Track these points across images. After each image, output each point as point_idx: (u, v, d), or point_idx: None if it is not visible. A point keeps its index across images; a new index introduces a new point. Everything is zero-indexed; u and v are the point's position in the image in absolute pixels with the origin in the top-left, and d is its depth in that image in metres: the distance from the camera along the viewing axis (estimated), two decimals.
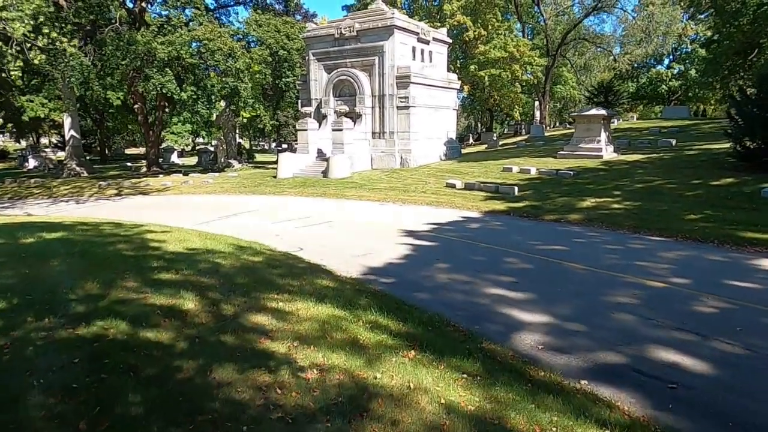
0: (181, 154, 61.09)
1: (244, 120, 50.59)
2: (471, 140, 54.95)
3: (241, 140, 68.11)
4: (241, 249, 9.98)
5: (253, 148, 69.61)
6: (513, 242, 11.19)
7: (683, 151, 21.45)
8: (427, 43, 30.48)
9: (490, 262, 9.62)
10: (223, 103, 35.67)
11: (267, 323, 5.28)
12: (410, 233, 12.75)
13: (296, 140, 32.75)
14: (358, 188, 22.29)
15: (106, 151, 62.98)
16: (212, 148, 42.53)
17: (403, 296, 7.49)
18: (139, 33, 28.58)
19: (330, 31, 29.42)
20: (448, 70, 33.43)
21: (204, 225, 14.82)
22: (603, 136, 22.75)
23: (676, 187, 15.36)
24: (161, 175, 33.28)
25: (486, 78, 39.70)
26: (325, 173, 26.10)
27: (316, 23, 38.13)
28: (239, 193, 24.58)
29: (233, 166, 36.37)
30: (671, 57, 56.87)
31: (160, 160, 49.01)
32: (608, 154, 22.58)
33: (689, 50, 53.72)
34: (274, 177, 27.97)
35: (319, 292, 6.93)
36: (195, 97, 29.32)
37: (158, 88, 28.00)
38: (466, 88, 42.81)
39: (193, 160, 48.41)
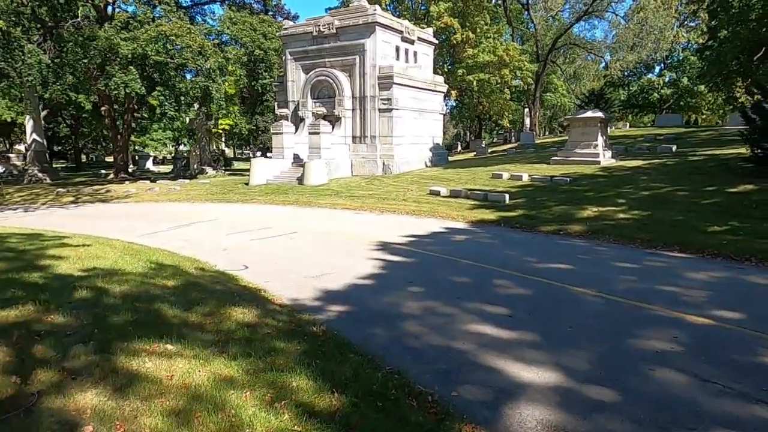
0: (157, 162, 58.86)
1: (224, 128, 48.43)
2: (459, 148, 53.27)
3: (225, 148, 66.02)
4: (161, 268, 7.86)
5: (238, 156, 67.46)
6: (505, 259, 9.18)
7: (687, 157, 19.70)
8: (412, 42, 28.67)
9: (476, 285, 7.58)
10: (196, 106, 33.52)
11: (91, 409, 3.16)
12: (384, 247, 10.71)
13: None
14: (333, 196, 20.25)
15: (83, 158, 60.38)
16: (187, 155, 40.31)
17: (357, 337, 5.43)
18: (102, 29, 26.45)
19: (308, 29, 27.49)
20: (434, 73, 31.63)
21: (147, 237, 12.75)
22: (600, 140, 20.95)
23: (688, 195, 13.50)
24: (128, 182, 30.96)
25: (474, 83, 38.04)
26: (300, 180, 24.03)
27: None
28: (205, 201, 22.44)
29: (207, 173, 34.18)
30: (662, 65, 55.83)
31: (134, 167, 46.80)
32: (606, 159, 20.77)
33: (681, 58, 52.67)
34: (247, 184, 25.85)
35: (227, 337, 4.83)
36: (162, 97, 27.17)
37: (121, 88, 25.80)
38: (453, 93, 41.11)
39: (169, 168, 46.20)
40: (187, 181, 30.81)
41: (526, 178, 19.11)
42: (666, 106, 54.22)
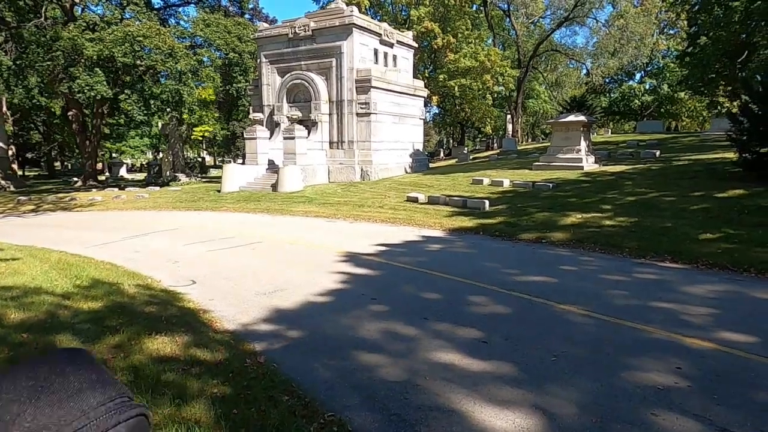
0: (133, 169, 57.23)
1: (203, 135, 47.09)
2: (442, 155, 52.70)
3: (206, 155, 64.57)
4: (91, 287, 6.82)
5: (219, 163, 65.93)
6: (482, 271, 8.31)
7: (671, 162, 19.16)
8: (391, 46, 27.94)
9: (448, 302, 6.68)
10: (169, 111, 32.28)
11: None
12: (352, 258, 9.78)
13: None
14: (307, 203, 19.27)
15: (57, 166, 58.41)
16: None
17: (299, 371, 4.48)
18: (66, 29, 25.21)
19: (283, 31, 26.59)
20: (414, 78, 30.92)
21: (98, 247, 11.69)
22: (583, 144, 20.34)
23: (676, 200, 12.82)
24: (95, 190, 29.54)
25: (456, 88, 37.43)
26: (275, 187, 23.01)
27: None
28: (172, 209, 21.28)
29: (179, 180, 32.86)
30: (643, 72, 56.11)
31: (108, 174, 45.22)
32: (589, 164, 20.15)
33: (661, 65, 52.95)
34: (219, 191, 24.73)
35: (128, 377, 3.84)
36: (130, 101, 25.96)
37: (86, 90, 24.55)
38: (435, 99, 40.46)
39: (144, 175, 44.73)
40: (158, 188, 29.52)
41: (507, 184, 18.36)
42: (647, 113, 54.41)
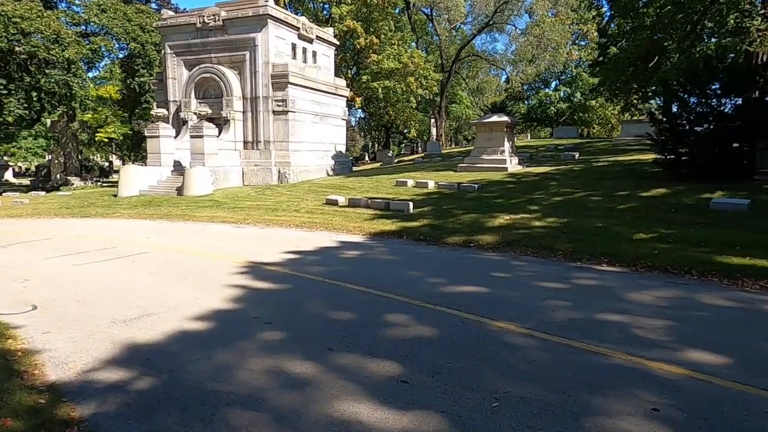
0: (21, 173, 51.10)
1: (110, 138, 42.58)
2: (367, 159, 51.69)
3: (115, 158, 58.97)
4: None
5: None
6: (404, 282, 7.08)
7: (591, 164, 19.22)
8: (311, 42, 26.42)
9: (361, 324, 5.34)
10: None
11: None
12: (253, 269, 8.21)
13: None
14: (214, 208, 17.25)
15: None
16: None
17: None
18: None
19: (191, 20, 24.25)
20: (337, 77, 29.56)
21: None
22: (507, 146, 19.97)
23: (602, 200, 12.41)
24: None
25: (380, 90, 36.53)
26: (180, 190, 20.66)
27: None
28: (54, 216, 18.36)
29: (72, 185, 29.20)
30: (557, 81, 58.54)
31: None
32: (513, 166, 19.79)
33: (574, 74, 55.46)
34: (115, 196, 21.92)
35: None
36: (6, 92, 22.46)
37: None
38: (358, 101, 39.35)
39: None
40: (44, 193, 25.91)
41: (432, 185, 17.47)
42: (561, 120, 56.76)
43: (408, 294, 6.40)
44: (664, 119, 13.59)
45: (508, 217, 11.64)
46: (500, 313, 5.50)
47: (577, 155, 22.17)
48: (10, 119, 31.29)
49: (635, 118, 35.26)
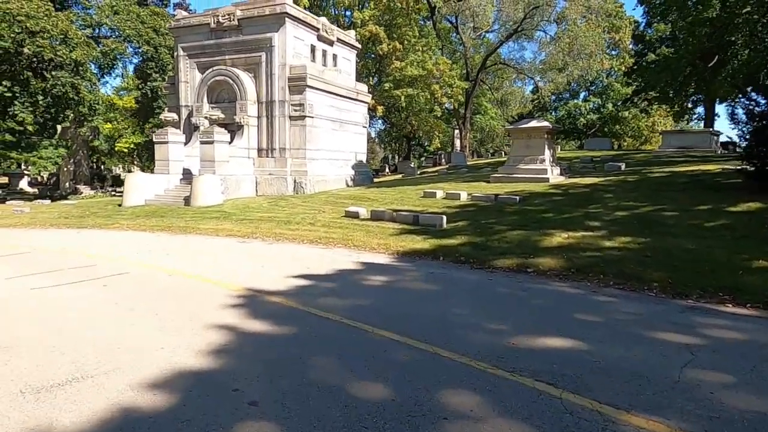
0: (37, 182, 50.58)
1: (129, 147, 41.56)
2: (387, 170, 49.85)
3: (135, 168, 58.35)
4: None
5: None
6: (453, 326, 5.05)
7: (645, 174, 17.00)
8: (331, 44, 24.80)
9: (399, 408, 3.33)
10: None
11: None
12: (250, 300, 6.30)
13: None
14: (221, 219, 15.49)
15: None
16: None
17: None
18: None
19: (205, 20, 22.86)
20: (358, 81, 27.86)
21: None
22: (547, 153, 17.86)
23: (681, 216, 10.23)
24: None
25: (402, 98, 34.77)
26: (188, 200, 19.01)
27: None
28: (50, 226, 16.85)
29: (81, 193, 27.92)
30: (587, 92, 56.23)
31: (5, 187, 39.13)
32: (555, 176, 17.66)
33: (605, 84, 53.10)
34: (120, 205, 20.40)
35: None
36: (9, 95, 21.23)
37: None
38: (380, 109, 37.65)
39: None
40: (49, 201, 24.61)
41: (465, 197, 15.44)
42: (590, 132, 54.32)
43: (463, 349, 4.37)
44: (756, 121, 11.33)
45: (566, 235, 9.53)
46: (625, 395, 3.44)
47: (622, 166, 19.94)
48: (30, 129, 30.32)
49: (678, 128, 32.76)
